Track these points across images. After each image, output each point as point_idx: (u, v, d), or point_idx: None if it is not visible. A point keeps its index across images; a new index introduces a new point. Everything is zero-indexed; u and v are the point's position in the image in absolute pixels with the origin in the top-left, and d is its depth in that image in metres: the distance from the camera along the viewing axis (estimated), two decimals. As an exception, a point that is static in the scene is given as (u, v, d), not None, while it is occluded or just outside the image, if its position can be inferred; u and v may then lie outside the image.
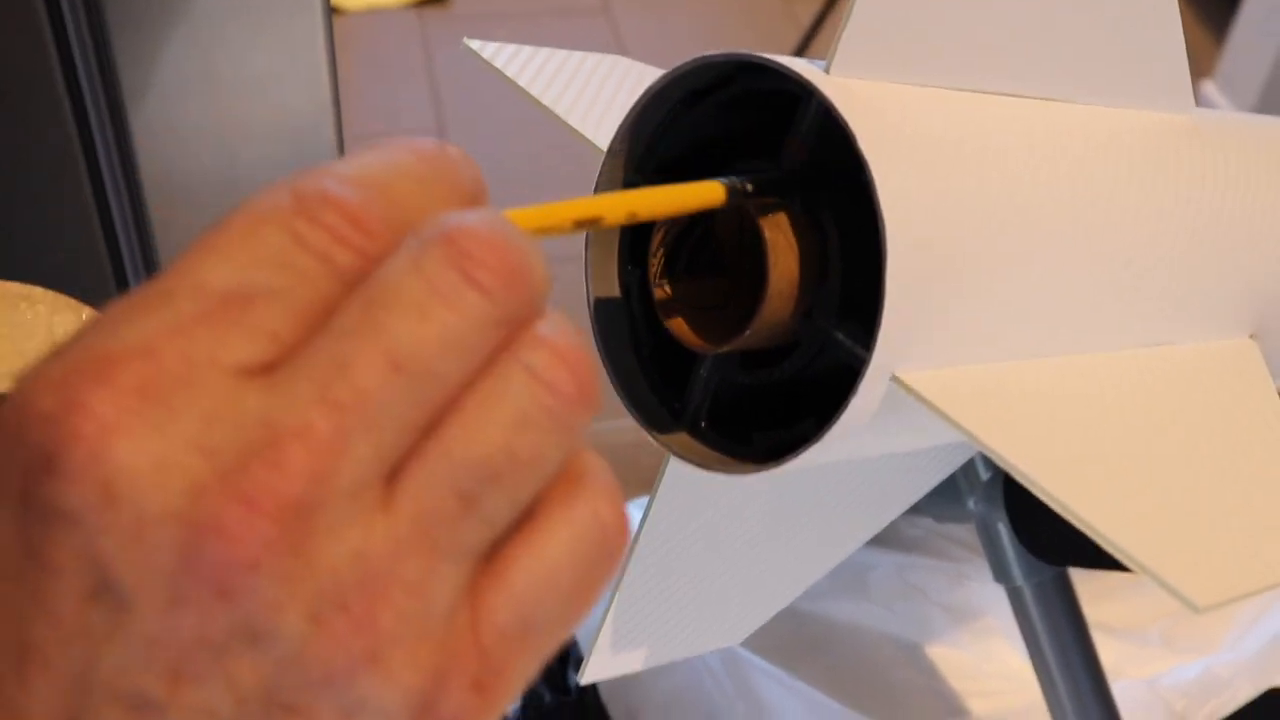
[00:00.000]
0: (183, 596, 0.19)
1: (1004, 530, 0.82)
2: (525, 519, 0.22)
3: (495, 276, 0.21)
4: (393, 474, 0.21)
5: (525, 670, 0.23)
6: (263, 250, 0.21)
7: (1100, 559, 0.61)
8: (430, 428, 0.21)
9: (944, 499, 0.82)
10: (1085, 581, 0.88)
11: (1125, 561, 0.39)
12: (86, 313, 0.44)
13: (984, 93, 0.48)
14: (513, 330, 0.22)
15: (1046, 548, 0.81)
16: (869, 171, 0.40)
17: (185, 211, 0.74)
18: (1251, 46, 1.98)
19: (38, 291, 0.44)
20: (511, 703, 0.23)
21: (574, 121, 0.59)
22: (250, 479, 0.19)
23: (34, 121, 0.67)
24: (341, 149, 0.74)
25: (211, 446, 0.19)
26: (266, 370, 0.20)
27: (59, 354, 0.20)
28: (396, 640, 0.21)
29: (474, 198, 0.24)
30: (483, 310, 0.21)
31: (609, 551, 0.23)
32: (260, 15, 0.67)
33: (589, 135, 0.59)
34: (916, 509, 0.66)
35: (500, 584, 0.22)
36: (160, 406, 0.19)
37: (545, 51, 0.64)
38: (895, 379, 0.42)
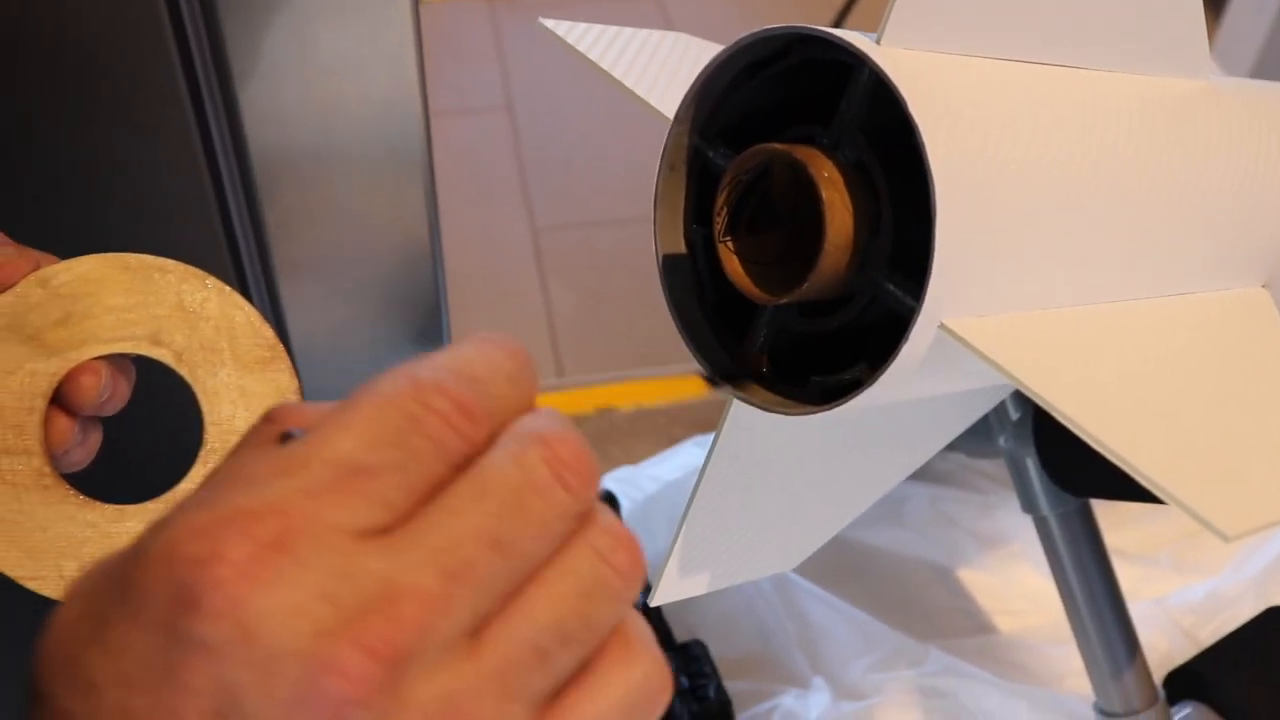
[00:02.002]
0: None
1: (1032, 465, 0.81)
2: (583, 672, 0.24)
3: (578, 478, 0.24)
4: (479, 630, 0.22)
5: None
6: (386, 430, 0.22)
7: (1122, 491, 0.60)
8: (515, 593, 0.23)
9: (976, 436, 0.81)
10: (1101, 510, 0.87)
11: (1160, 495, 0.38)
12: (210, 281, 0.45)
13: (1021, 61, 0.46)
14: (583, 519, 0.24)
15: (1072, 481, 0.80)
16: (919, 135, 0.39)
17: (287, 185, 0.74)
18: (1244, 25, 1.92)
19: (169, 263, 0.45)
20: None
21: (641, 91, 0.58)
22: (368, 628, 0.21)
23: (156, 109, 0.67)
24: (428, 126, 0.74)
25: (336, 597, 0.21)
26: (381, 534, 0.22)
27: (205, 503, 0.22)
28: None
29: (535, 387, 0.26)
30: (567, 505, 0.24)
31: (653, 707, 0.25)
32: (353, 3, 0.67)
33: (654, 103, 0.58)
34: (950, 445, 0.65)
35: None
36: (292, 560, 0.21)
37: (612, 29, 0.63)
38: (943, 326, 0.41)
